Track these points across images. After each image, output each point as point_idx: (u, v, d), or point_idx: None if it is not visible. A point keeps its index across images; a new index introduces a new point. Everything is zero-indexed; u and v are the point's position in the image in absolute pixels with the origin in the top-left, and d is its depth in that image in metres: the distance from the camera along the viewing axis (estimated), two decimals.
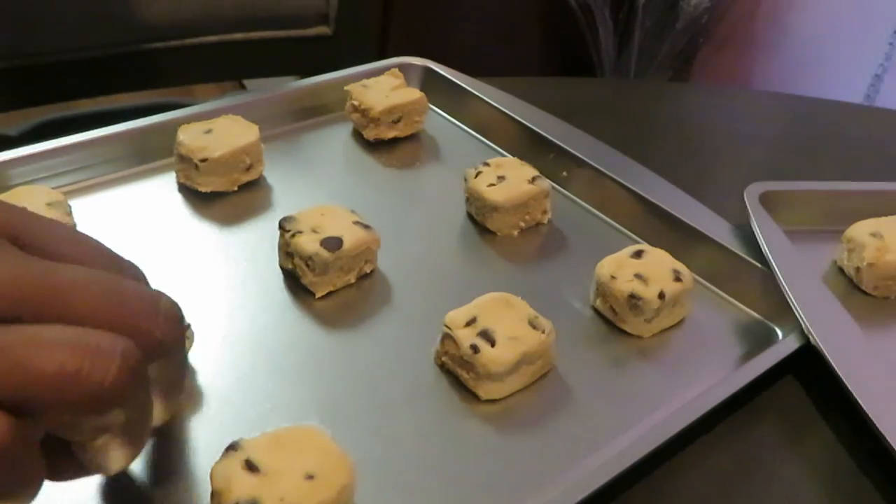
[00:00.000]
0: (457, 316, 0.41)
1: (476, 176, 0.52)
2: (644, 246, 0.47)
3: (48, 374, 0.23)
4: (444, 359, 0.41)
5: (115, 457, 0.28)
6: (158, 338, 0.26)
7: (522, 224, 0.52)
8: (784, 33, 1.66)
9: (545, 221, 0.53)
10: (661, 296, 0.44)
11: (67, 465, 0.28)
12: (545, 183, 0.52)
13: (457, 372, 0.41)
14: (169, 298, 0.28)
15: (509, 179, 0.51)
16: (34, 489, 0.25)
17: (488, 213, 0.51)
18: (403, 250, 0.49)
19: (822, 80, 1.59)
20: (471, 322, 0.41)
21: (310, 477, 0.32)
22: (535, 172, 0.52)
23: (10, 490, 0.25)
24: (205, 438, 0.37)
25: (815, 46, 1.60)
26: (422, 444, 0.38)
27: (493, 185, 0.51)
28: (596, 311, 0.47)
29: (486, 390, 0.40)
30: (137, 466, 0.35)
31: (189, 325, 0.39)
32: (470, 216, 0.53)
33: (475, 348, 0.39)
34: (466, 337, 0.40)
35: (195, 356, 0.40)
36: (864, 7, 1.52)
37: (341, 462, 0.33)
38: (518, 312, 0.41)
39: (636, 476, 0.38)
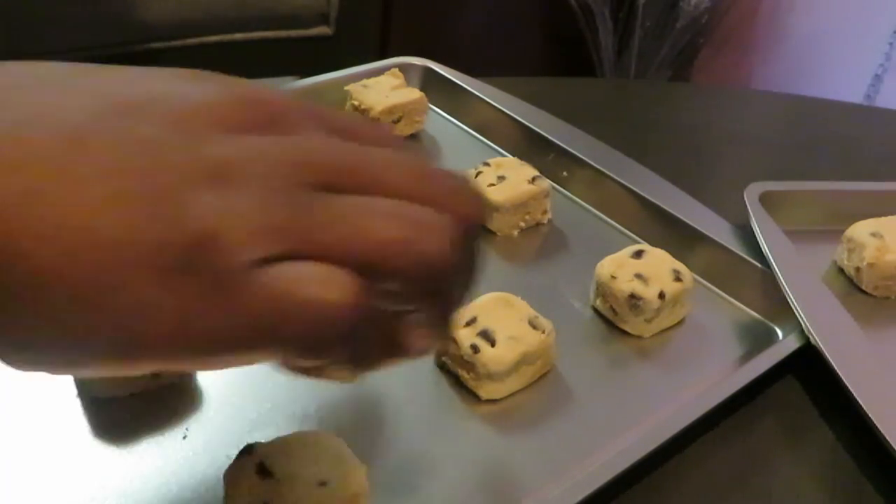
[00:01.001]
0: (457, 316, 0.41)
1: (476, 176, 0.52)
2: (644, 246, 0.47)
3: (384, 240, 0.25)
4: (444, 359, 0.41)
5: (424, 338, 0.29)
6: (468, 214, 0.28)
7: (522, 224, 0.52)
8: (784, 33, 1.66)
9: (545, 221, 0.53)
10: (662, 296, 0.44)
11: (381, 349, 0.29)
12: (545, 183, 0.52)
13: (457, 372, 0.41)
14: (468, 179, 0.30)
15: (509, 179, 0.51)
16: (373, 362, 0.28)
17: (488, 214, 0.51)
18: None
19: (822, 80, 1.59)
20: (471, 322, 0.41)
21: (322, 484, 0.32)
22: (535, 172, 0.52)
23: (360, 354, 0.27)
24: (205, 439, 0.37)
25: (815, 46, 1.61)
26: (422, 444, 0.38)
27: (494, 185, 0.51)
28: (596, 311, 0.47)
29: (486, 390, 0.40)
30: (138, 466, 0.35)
31: None
32: None
33: (475, 348, 0.39)
34: (466, 337, 0.40)
35: None
36: (864, 7, 1.52)
37: (355, 470, 0.33)
38: (518, 312, 0.41)
39: (636, 476, 0.38)
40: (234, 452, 0.33)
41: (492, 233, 0.52)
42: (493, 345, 0.40)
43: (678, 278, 0.45)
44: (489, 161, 0.53)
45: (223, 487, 0.32)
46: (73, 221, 0.23)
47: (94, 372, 0.27)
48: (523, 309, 0.42)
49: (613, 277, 0.45)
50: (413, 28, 1.41)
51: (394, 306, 0.27)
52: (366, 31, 0.96)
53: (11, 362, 0.24)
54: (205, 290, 0.23)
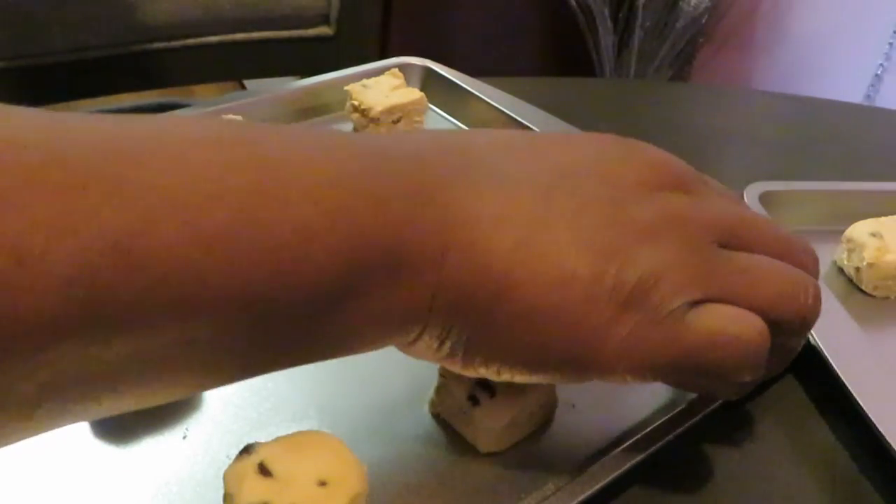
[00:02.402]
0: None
1: None
2: None
3: (776, 293, 0.31)
4: (440, 409, 0.39)
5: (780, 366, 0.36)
6: (813, 271, 0.34)
7: None
8: (784, 33, 1.66)
9: None
10: None
11: None
12: None
13: (454, 424, 0.38)
14: (804, 239, 0.35)
15: None
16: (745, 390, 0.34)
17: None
18: None
19: (822, 80, 1.59)
20: None
21: (322, 483, 0.32)
22: None
23: (756, 381, 0.33)
24: (205, 439, 0.37)
25: (815, 46, 1.61)
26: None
27: None
28: None
29: (486, 443, 0.37)
30: (138, 466, 0.35)
31: None
32: None
33: (474, 399, 0.37)
34: (464, 387, 0.37)
35: None
36: (864, 7, 1.52)
37: (355, 469, 0.33)
38: None
39: (636, 476, 0.38)
40: (234, 452, 0.33)
41: None
42: (492, 395, 0.37)
43: None
44: None
45: (223, 487, 0.32)
46: (554, 261, 0.29)
47: (552, 379, 0.32)
48: None
49: None
50: (413, 28, 1.41)
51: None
52: (366, 32, 0.96)
53: (476, 365, 0.31)
54: (647, 323, 0.30)
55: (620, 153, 0.33)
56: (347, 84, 0.59)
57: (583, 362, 0.30)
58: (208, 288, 0.24)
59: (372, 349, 0.31)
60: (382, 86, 0.59)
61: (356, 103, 0.58)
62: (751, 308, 0.31)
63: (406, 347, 0.32)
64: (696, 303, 0.30)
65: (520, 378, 0.32)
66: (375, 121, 0.57)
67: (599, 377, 0.31)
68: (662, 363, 0.31)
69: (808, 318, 0.32)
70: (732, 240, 0.32)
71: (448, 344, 0.31)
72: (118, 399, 0.25)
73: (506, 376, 0.32)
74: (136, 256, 0.22)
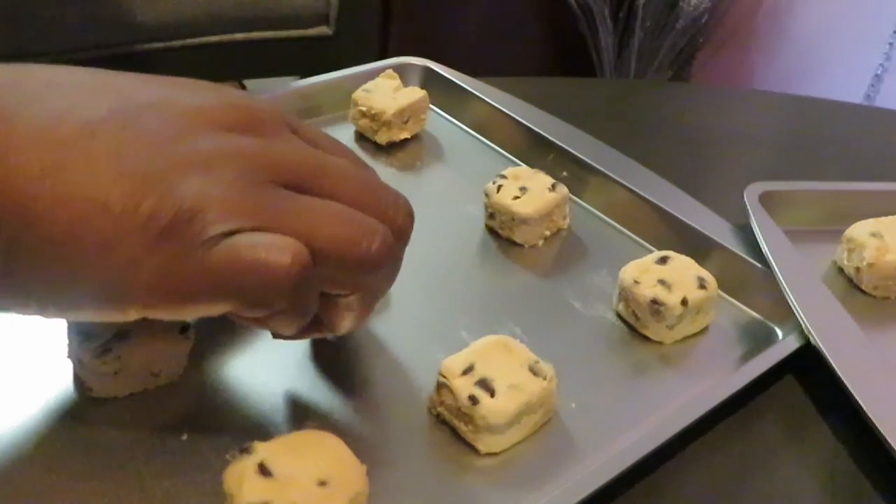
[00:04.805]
0: (453, 363, 0.38)
1: (498, 190, 0.51)
2: (669, 252, 0.47)
3: (335, 236, 0.31)
4: (440, 409, 0.39)
5: (349, 318, 0.35)
6: (401, 226, 0.34)
7: (547, 233, 0.52)
8: (784, 33, 1.66)
9: (565, 227, 0.53)
10: (685, 302, 0.44)
11: (313, 324, 0.35)
12: (564, 189, 0.52)
13: (454, 424, 0.38)
14: (404, 197, 0.36)
15: (531, 190, 0.51)
16: (307, 318, 0.33)
17: (516, 227, 0.50)
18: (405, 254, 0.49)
19: (822, 80, 1.59)
20: (468, 370, 0.38)
21: (322, 483, 0.32)
22: (551, 179, 0.52)
23: (298, 311, 0.32)
24: (205, 439, 0.37)
25: (815, 46, 1.61)
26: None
27: (518, 197, 0.50)
28: (619, 315, 0.46)
29: (485, 443, 0.38)
30: (138, 466, 0.35)
31: (189, 326, 0.39)
32: (490, 229, 0.52)
33: (473, 399, 0.37)
34: (464, 387, 0.37)
35: (194, 356, 0.40)
36: (864, 7, 1.52)
37: (355, 469, 0.33)
38: (518, 358, 0.39)
39: (636, 476, 0.38)
40: (235, 452, 0.33)
41: (519, 245, 0.51)
42: (492, 395, 0.37)
43: (702, 286, 0.45)
44: (504, 173, 0.52)
45: (223, 487, 0.32)
46: (83, 191, 0.28)
47: (92, 315, 0.31)
48: (523, 354, 0.39)
49: (636, 282, 0.45)
50: (413, 28, 1.41)
51: (327, 288, 0.33)
52: (366, 31, 0.96)
53: (22, 305, 0.30)
54: (181, 254, 0.29)
55: (201, 94, 0.33)
56: (347, 84, 0.59)
57: (116, 297, 0.30)
58: None
59: None
60: (384, 88, 0.59)
61: (364, 109, 0.58)
62: (298, 239, 0.30)
63: None
64: (235, 233, 0.30)
65: (67, 315, 0.32)
66: (387, 124, 0.57)
67: (141, 313, 0.31)
68: (197, 293, 0.30)
69: (366, 263, 0.32)
70: (303, 184, 0.32)
71: None
72: None
73: (52, 312, 0.31)
74: None
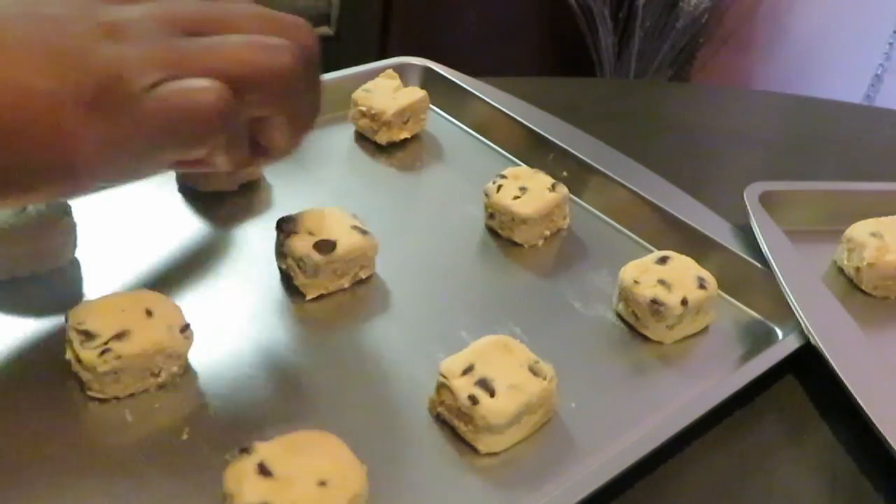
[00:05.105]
0: (453, 364, 0.38)
1: (498, 190, 0.51)
2: (669, 252, 0.47)
3: (244, 60, 0.33)
4: (440, 409, 0.39)
5: (284, 136, 0.36)
6: (305, 43, 0.35)
7: (547, 232, 0.52)
8: (784, 33, 1.66)
9: (565, 227, 0.53)
10: (685, 302, 0.44)
11: (252, 149, 0.36)
12: (564, 189, 0.52)
13: (454, 424, 0.38)
14: (305, 20, 0.37)
15: (531, 190, 0.51)
16: (244, 147, 0.35)
17: (516, 227, 0.50)
18: (404, 255, 0.49)
19: (822, 80, 1.59)
20: (468, 370, 0.38)
21: (322, 483, 0.32)
22: (551, 179, 0.52)
23: (234, 141, 0.34)
24: (205, 439, 0.37)
25: (815, 46, 1.61)
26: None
27: (518, 197, 0.50)
28: (619, 315, 0.46)
29: (485, 443, 0.38)
30: (138, 466, 0.35)
31: (188, 326, 0.39)
32: (490, 229, 0.52)
33: (473, 399, 0.37)
34: (464, 387, 0.37)
35: (194, 356, 0.40)
36: (864, 7, 1.52)
37: (354, 469, 0.33)
38: (517, 358, 0.39)
39: (636, 476, 0.38)
40: (234, 452, 0.33)
41: (519, 245, 0.51)
42: (492, 395, 0.37)
43: (702, 286, 0.45)
44: (504, 173, 0.52)
45: (223, 487, 0.32)
46: (8, 82, 0.30)
47: (49, 195, 0.34)
48: (523, 354, 0.39)
49: (636, 282, 0.45)
50: (413, 28, 1.41)
51: (256, 112, 0.34)
52: (366, 32, 0.97)
53: None
54: (115, 114, 0.31)
55: None
56: (348, 84, 0.59)
57: (66, 174, 0.31)
58: None
59: None
60: (384, 88, 0.59)
61: (364, 109, 0.58)
62: (214, 76, 0.32)
63: None
64: (159, 84, 0.31)
65: (26, 200, 0.36)
66: (387, 124, 0.57)
67: (95, 181, 0.32)
68: (140, 148, 0.32)
69: (282, 77, 0.33)
70: (207, 29, 0.34)
71: None
72: None
73: (11, 201, 0.34)
74: None
